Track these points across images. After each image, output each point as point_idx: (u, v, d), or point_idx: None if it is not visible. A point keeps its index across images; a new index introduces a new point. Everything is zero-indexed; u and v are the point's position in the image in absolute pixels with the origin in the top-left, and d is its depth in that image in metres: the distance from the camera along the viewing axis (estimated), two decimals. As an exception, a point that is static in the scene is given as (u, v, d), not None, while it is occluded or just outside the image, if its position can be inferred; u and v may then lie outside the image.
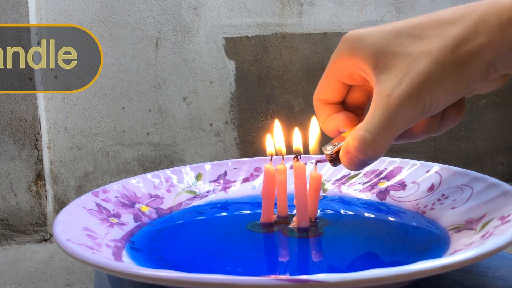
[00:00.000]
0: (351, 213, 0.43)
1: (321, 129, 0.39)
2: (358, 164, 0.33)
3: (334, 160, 0.35)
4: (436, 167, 0.45)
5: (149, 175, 0.47)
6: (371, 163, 0.34)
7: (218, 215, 0.43)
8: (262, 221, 0.39)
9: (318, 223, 0.39)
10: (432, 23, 0.31)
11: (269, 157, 0.41)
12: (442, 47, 0.29)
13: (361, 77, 0.34)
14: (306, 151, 0.42)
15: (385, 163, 0.48)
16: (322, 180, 0.44)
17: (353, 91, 0.37)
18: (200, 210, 0.44)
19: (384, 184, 0.46)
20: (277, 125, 0.42)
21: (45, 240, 1.18)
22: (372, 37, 0.32)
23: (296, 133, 0.42)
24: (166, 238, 0.38)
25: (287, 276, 0.22)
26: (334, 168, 0.50)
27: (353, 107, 0.38)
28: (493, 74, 0.30)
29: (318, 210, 0.41)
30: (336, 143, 0.35)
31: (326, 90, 0.37)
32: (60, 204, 1.24)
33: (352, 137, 0.32)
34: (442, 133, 0.36)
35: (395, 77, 0.30)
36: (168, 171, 0.48)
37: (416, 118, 0.31)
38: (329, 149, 0.35)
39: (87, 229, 0.35)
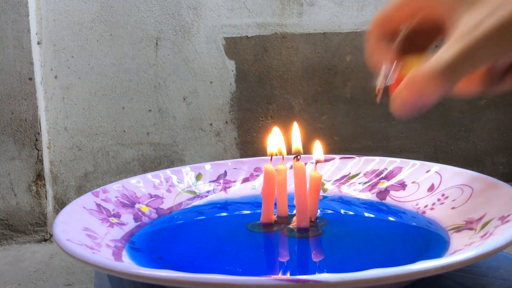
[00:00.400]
0: (351, 213, 0.43)
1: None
2: (414, 103, 0.30)
3: (384, 94, 0.32)
4: (436, 167, 0.45)
5: (149, 175, 0.47)
6: (423, 109, 0.31)
7: (218, 215, 0.43)
8: (262, 221, 0.39)
9: (318, 223, 0.39)
10: None
11: (269, 157, 0.41)
12: None
13: (433, 20, 0.32)
14: (306, 151, 0.42)
15: (385, 163, 0.48)
16: (322, 180, 0.44)
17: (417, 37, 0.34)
18: (200, 210, 0.44)
19: (384, 184, 0.46)
20: (276, 131, 0.42)
21: (45, 240, 1.18)
22: None
23: (295, 129, 0.42)
24: (166, 238, 0.38)
25: (287, 276, 0.22)
26: (334, 168, 0.50)
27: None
28: None
29: (318, 210, 0.41)
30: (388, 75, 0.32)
31: (396, 15, 0.34)
32: (60, 204, 1.24)
33: (420, 68, 0.29)
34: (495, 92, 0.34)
35: (486, 10, 0.28)
36: (168, 171, 0.48)
37: (501, 54, 0.28)
38: (383, 79, 0.32)
39: (87, 229, 0.35)
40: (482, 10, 0.29)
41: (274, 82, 1.29)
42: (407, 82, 0.30)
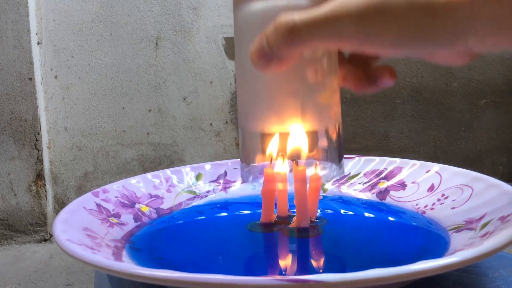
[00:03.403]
0: (351, 213, 0.43)
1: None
2: (262, 51, 0.29)
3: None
4: (436, 167, 0.45)
5: (149, 175, 0.47)
6: (273, 65, 0.30)
7: (218, 215, 0.43)
8: (262, 221, 0.39)
9: (318, 223, 0.39)
10: None
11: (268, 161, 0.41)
12: None
13: None
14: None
15: (385, 163, 0.48)
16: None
17: None
18: (200, 210, 0.44)
19: (384, 184, 0.46)
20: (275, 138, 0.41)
21: (45, 240, 1.18)
22: None
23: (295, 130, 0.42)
24: (166, 238, 0.38)
25: (287, 276, 0.22)
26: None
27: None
28: (462, 44, 0.27)
29: (318, 210, 0.41)
30: None
31: None
32: (60, 204, 1.24)
33: (277, 19, 0.29)
34: (373, 92, 0.34)
35: None
36: (168, 171, 0.48)
37: (353, 39, 0.28)
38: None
39: (87, 229, 0.35)
40: None
41: (274, 82, 1.29)
42: (270, 27, 0.29)
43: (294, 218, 0.38)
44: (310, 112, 0.34)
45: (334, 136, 0.35)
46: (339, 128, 0.36)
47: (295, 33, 0.28)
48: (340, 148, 0.36)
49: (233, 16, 0.35)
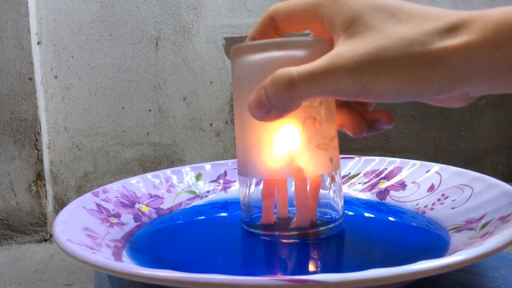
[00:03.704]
0: (351, 213, 0.43)
1: None
2: (261, 104, 0.30)
3: None
4: (436, 167, 0.45)
5: (149, 175, 0.47)
6: (272, 116, 0.30)
7: (218, 215, 0.43)
8: (262, 222, 0.39)
9: (318, 224, 0.39)
10: (420, 15, 0.28)
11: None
12: (415, 39, 0.27)
13: (324, 29, 0.32)
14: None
15: (385, 163, 0.48)
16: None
17: None
18: (200, 210, 0.44)
19: (384, 184, 0.46)
20: None
21: (45, 240, 1.18)
22: (358, 1, 0.30)
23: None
24: (166, 238, 0.38)
25: (287, 276, 0.22)
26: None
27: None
28: (459, 90, 0.27)
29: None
30: None
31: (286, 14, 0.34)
32: (60, 204, 1.24)
33: (275, 73, 0.29)
34: (376, 133, 0.35)
35: (356, 44, 0.28)
36: (168, 171, 0.48)
37: (350, 91, 0.28)
38: None
39: (87, 229, 0.35)
40: (354, 43, 0.28)
41: (274, 82, 1.29)
42: (268, 79, 0.30)
43: (294, 219, 0.38)
44: (309, 159, 0.35)
45: (333, 182, 0.36)
46: (338, 174, 0.37)
47: (293, 86, 0.28)
48: (340, 193, 0.37)
49: (231, 66, 0.36)
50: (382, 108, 0.36)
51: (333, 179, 0.37)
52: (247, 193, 0.38)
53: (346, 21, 0.30)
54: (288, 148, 0.34)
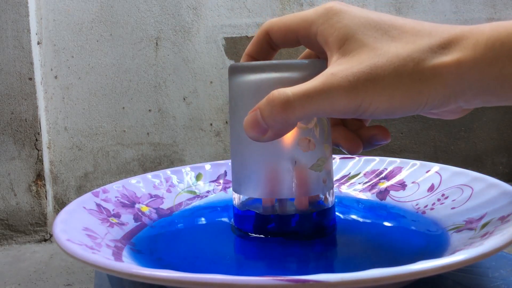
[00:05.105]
0: (351, 214, 0.43)
1: None
2: (257, 124, 0.29)
3: None
4: (436, 167, 0.45)
5: (149, 175, 0.47)
6: (268, 136, 0.30)
7: (218, 215, 0.43)
8: (264, 204, 0.39)
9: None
10: (413, 31, 0.29)
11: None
12: (408, 56, 0.27)
13: (318, 46, 0.32)
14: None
15: (385, 163, 0.48)
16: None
17: None
18: (200, 211, 0.44)
19: (384, 184, 0.46)
20: None
21: (45, 240, 1.18)
22: (351, 19, 0.30)
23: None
24: (166, 239, 0.38)
25: (287, 276, 0.22)
26: (334, 168, 0.50)
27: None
28: (453, 105, 0.28)
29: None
30: None
31: (280, 30, 0.34)
32: (60, 204, 1.24)
33: (271, 94, 0.29)
34: (374, 148, 0.35)
35: (350, 63, 0.28)
36: (168, 171, 0.48)
37: (345, 111, 0.28)
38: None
39: (87, 229, 0.35)
40: (349, 61, 0.29)
41: (274, 82, 1.29)
42: (264, 100, 0.30)
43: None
44: (303, 180, 0.35)
45: (326, 203, 0.37)
46: (331, 195, 0.37)
47: (289, 107, 0.28)
48: (333, 214, 0.37)
49: (228, 85, 0.36)
50: (379, 120, 0.37)
51: (325, 199, 0.37)
52: (240, 207, 0.38)
53: (339, 39, 0.30)
54: (280, 169, 0.35)
